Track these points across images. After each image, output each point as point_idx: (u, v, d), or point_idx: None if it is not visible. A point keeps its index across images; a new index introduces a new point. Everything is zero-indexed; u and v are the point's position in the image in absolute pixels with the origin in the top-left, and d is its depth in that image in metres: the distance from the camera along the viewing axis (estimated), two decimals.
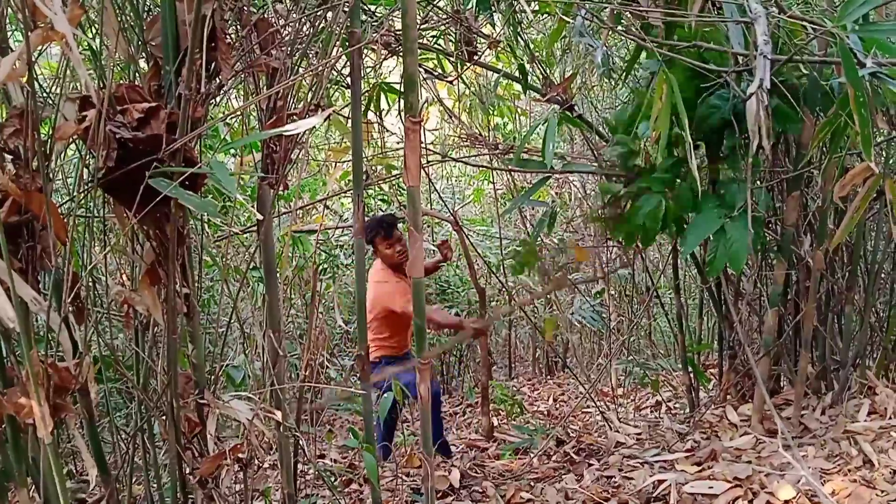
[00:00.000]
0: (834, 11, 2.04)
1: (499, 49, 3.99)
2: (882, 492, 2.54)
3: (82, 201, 1.85)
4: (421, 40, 3.66)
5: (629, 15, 2.46)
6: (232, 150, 4.32)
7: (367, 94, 3.44)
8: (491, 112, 5.29)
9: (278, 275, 4.74)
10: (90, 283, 2.48)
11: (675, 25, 2.54)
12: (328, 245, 5.45)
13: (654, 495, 2.87)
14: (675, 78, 2.01)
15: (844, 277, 3.25)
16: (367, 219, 4.24)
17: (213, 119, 1.57)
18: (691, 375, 3.83)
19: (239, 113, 2.01)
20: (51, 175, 1.45)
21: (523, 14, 3.62)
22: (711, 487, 2.77)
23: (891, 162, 2.85)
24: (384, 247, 4.23)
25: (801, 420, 3.16)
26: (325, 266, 5.62)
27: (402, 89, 1.87)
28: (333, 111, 1.86)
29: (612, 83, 3.60)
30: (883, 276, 3.44)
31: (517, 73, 3.54)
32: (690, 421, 3.67)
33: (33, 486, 1.69)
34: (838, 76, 2.10)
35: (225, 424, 3.19)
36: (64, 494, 1.50)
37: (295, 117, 1.79)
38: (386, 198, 6.01)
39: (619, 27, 2.35)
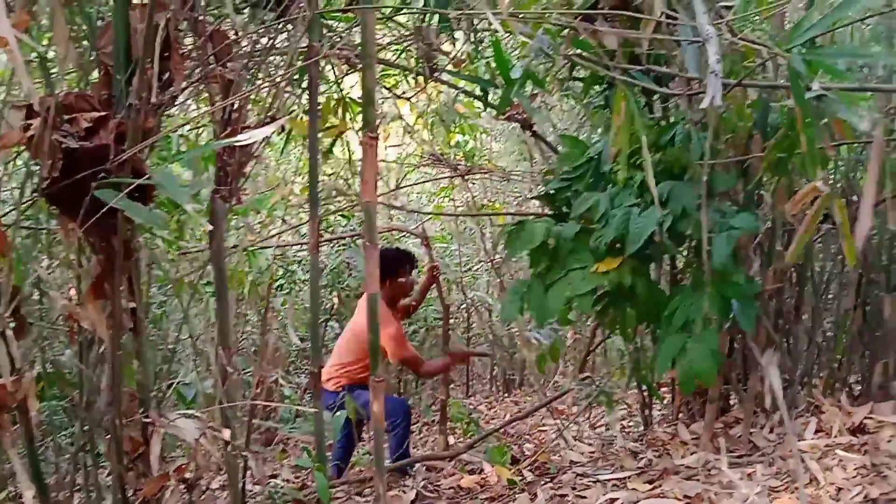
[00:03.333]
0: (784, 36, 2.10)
1: (462, 67, 4.02)
2: None
3: (27, 212, 1.79)
4: (383, 56, 3.67)
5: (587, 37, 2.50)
6: (190, 163, 4.24)
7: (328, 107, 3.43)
8: (452, 130, 5.31)
9: (236, 290, 4.67)
10: (38, 297, 2.40)
11: (630, 48, 2.59)
12: (285, 260, 5.39)
13: None
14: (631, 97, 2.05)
15: (793, 297, 3.32)
16: (385, 250, 4.22)
17: (164, 130, 1.53)
18: (644, 393, 3.87)
19: (193, 124, 1.98)
20: None
21: (484, 33, 3.65)
22: None
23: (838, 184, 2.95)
24: (400, 280, 4.21)
25: (750, 438, 3.21)
26: (282, 282, 5.56)
27: (361, 104, 1.87)
28: (285, 122, 1.84)
29: (571, 103, 3.65)
30: (830, 296, 3.53)
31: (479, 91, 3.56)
32: (643, 439, 3.70)
33: None
34: (788, 98, 2.16)
35: (175, 444, 3.11)
36: None
37: (250, 129, 1.77)
38: (345, 213, 5.97)
39: (575, 50, 2.38)
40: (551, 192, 3.23)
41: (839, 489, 2.70)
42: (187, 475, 1.94)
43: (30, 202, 1.63)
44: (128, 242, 1.56)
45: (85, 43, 1.63)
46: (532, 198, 3.22)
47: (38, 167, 1.42)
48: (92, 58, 1.60)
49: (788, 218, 2.17)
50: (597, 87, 3.10)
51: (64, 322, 1.94)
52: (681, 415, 3.74)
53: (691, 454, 3.28)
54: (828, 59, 1.64)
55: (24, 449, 1.83)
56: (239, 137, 1.53)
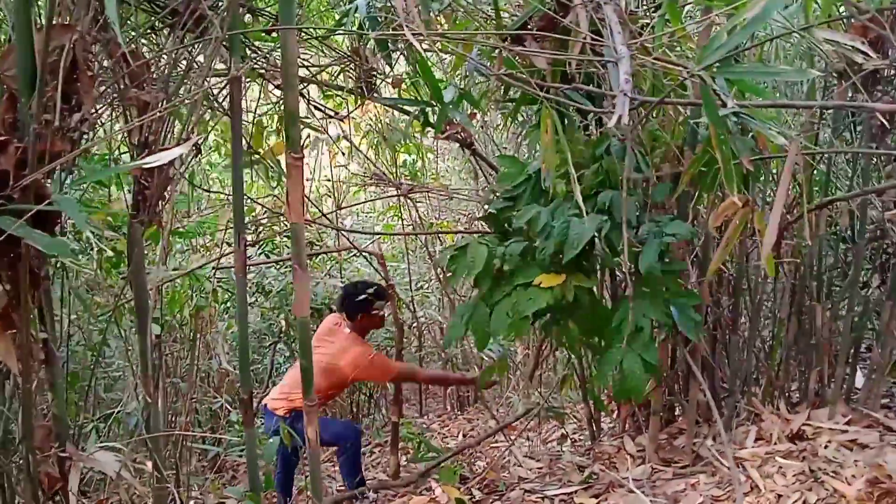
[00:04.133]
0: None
1: (402, 87, 4.02)
2: None
3: None
4: (323, 76, 3.65)
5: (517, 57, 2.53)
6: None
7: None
8: (397, 149, 5.31)
9: (175, 314, 4.57)
10: None
11: (561, 67, 2.62)
12: (230, 283, 5.29)
13: None
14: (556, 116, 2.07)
15: (730, 308, 3.38)
16: (362, 283, 4.33)
17: (72, 154, 1.49)
18: (592, 406, 3.89)
19: (107, 148, 1.93)
20: None
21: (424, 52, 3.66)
22: None
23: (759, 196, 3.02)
24: (374, 313, 4.18)
25: (693, 448, 3.24)
26: (227, 304, 5.46)
27: (283, 125, 1.85)
28: (197, 141, 1.81)
29: (505, 123, 3.68)
30: (766, 306, 3.60)
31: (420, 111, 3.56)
32: (590, 453, 3.71)
33: None
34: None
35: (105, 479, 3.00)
36: None
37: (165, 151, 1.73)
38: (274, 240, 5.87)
39: (506, 70, 2.40)
40: (494, 211, 3.23)
41: (779, 496, 2.74)
42: None
43: None
44: (35, 271, 1.51)
45: None
46: (477, 219, 3.21)
47: None
48: None
49: (712, 230, 2.21)
50: (533, 107, 3.13)
51: None
52: (627, 427, 3.76)
53: (637, 466, 3.30)
54: (739, 76, 1.68)
55: None
56: (150, 158, 1.49)
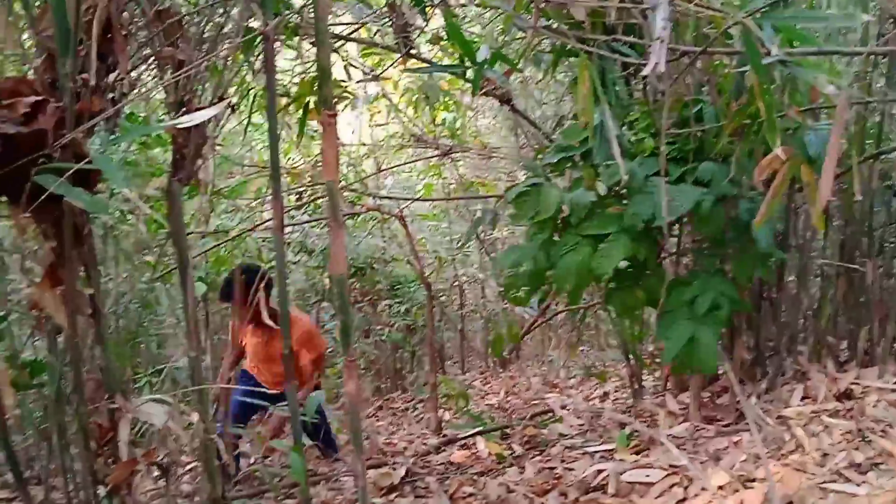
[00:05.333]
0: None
1: (438, 43, 3.97)
2: (812, 475, 2.59)
3: None
4: (357, 34, 3.62)
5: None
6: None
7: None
8: (436, 107, 5.26)
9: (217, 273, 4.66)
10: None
11: (601, 19, 2.55)
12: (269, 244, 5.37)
13: (593, 485, 2.88)
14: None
15: (776, 265, 3.29)
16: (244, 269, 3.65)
17: (107, 112, 1.51)
18: (634, 365, 3.87)
19: (144, 107, 1.95)
20: None
21: (463, 8, 3.60)
22: (648, 475, 2.79)
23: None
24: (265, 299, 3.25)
25: (736, 406, 3.20)
26: (272, 264, 5.54)
27: (317, 83, 1.84)
28: (230, 102, 1.81)
29: (545, 78, 3.60)
30: (815, 263, 3.50)
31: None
32: (632, 410, 3.70)
33: None
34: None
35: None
36: None
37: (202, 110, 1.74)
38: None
39: (544, 21, 2.34)
40: (551, 163, 3.14)
41: (825, 455, 2.70)
42: (160, 460, 1.94)
43: None
44: (78, 228, 1.55)
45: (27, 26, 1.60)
46: (544, 165, 3.07)
47: None
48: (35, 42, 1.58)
49: (757, 184, 2.14)
50: (570, 60, 3.06)
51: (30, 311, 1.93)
52: (669, 386, 3.74)
53: (679, 424, 3.29)
54: (786, 22, 1.60)
55: None
56: (184, 118, 1.51)
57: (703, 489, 2.64)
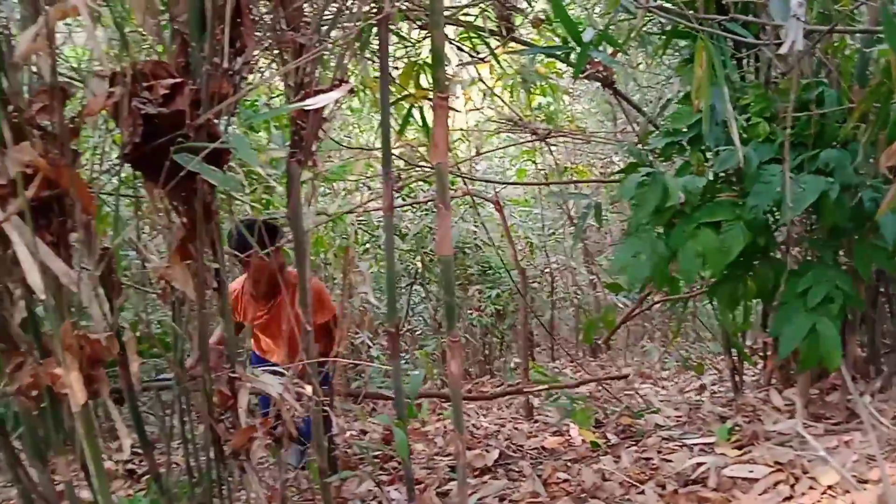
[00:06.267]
0: None
1: (540, 26, 3.92)
2: None
3: (116, 177, 1.88)
4: (457, 17, 3.62)
5: None
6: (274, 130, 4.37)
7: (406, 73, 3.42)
8: (532, 91, 5.21)
9: (319, 254, 4.81)
10: (139, 261, 2.53)
11: None
12: (370, 226, 5.49)
13: (692, 478, 2.82)
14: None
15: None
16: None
17: (238, 95, 1.58)
18: (735, 358, 3.75)
19: (267, 90, 2.02)
20: (81, 151, 1.48)
21: None
22: (752, 471, 2.71)
23: None
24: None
25: (847, 405, 3.06)
26: (367, 246, 5.66)
27: (431, 65, 1.86)
28: (360, 86, 1.86)
29: (653, 60, 3.50)
30: None
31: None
32: (733, 404, 3.59)
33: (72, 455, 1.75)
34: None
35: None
36: (97, 462, 1.55)
37: (322, 93, 1.79)
38: (427, 180, 5.99)
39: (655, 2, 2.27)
40: (657, 149, 3.07)
41: None
42: (274, 429, 2.03)
43: (115, 168, 1.71)
44: (208, 205, 1.62)
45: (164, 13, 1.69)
46: (649, 150, 2.99)
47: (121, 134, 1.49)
48: (168, 27, 1.66)
49: (883, 170, 2.02)
50: (681, 41, 2.96)
51: (156, 283, 2.05)
52: (773, 380, 3.61)
53: (784, 420, 3.17)
54: None
55: (127, 403, 1.96)
56: (309, 101, 1.56)
57: (811, 488, 2.54)
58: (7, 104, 1.31)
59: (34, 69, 1.47)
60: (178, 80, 1.47)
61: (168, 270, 1.74)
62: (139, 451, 2.08)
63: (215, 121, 1.55)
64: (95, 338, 1.50)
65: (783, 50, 1.33)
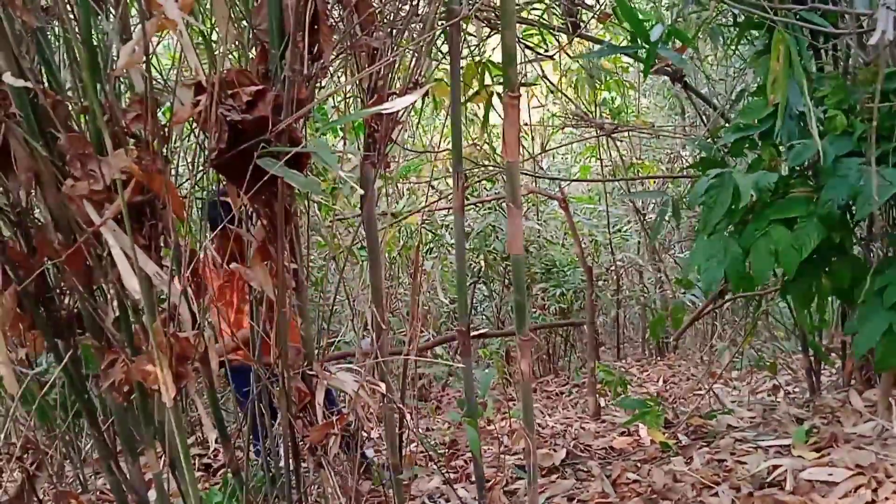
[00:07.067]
0: None
1: (607, 21, 3.88)
2: None
3: (201, 182, 1.96)
4: (524, 15, 3.62)
5: None
6: (340, 134, 4.46)
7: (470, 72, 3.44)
8: (598, 87, 5.17)
9: (385, 254, 4.87)
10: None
11: None
12: (433, 225, 5.53)
13: (768, 481, 2.76)
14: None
15: None
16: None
17: (317, 100, 1.62)
18: (812, 358, 3.63)
19: (340, 94, 2.07)
20: (170, 157, 1.55)
21: None
22: (831, 474, 2.63)
23: None
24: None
25: None
26: (431, 245, 5.71)
27: (502, 64, 1.87)
28: (430, 88, 1.88)
29: (724, 53, 3.42)
30: None
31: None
32: (810, 405, 3.48)
33: (160, 448, 1.83)
34: None
35: (339, 399, 3.32)
36: (186, 453, 1.61)
37: (395, 96, 1.83)
38: (491, 179, 6.00)
39: None
40: (728, 144, 3.00)
41: None
42: (348, 425, 2.07)
43: (202, 173, 1.78)
44: (288, 208, 1.68)
45: (243, 22, 1.75)
46: (718, 147, 2.92)
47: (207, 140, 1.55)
48: (249, 36, 1.72)
49: None
50: (755, 32, 2.89)
51: None
52: (853, 381, 3.48)
53: (865, 422, 3.06)
54: None
55: (207, 398, 2.04)
56: (385, 105, 1.59)
57: (894, 492, 2.45)
58: (104, 113, 1.38)
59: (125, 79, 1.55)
60: (261, 87, 1.52)
61: (248, 271, 1.81)
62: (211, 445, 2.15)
63: (295, 125, 1.59)
64: (184, 336, 1.57)
65: (873, 40, 1.29)
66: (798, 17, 2.45)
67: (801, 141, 2.63)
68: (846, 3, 2.45)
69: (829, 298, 3.56)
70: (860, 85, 2.55)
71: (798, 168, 2.82)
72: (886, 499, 2.43)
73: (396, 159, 4.79)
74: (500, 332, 3.88)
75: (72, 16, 1.46)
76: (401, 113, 1.88)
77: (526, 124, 5.56)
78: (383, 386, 1.95)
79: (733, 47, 3.14)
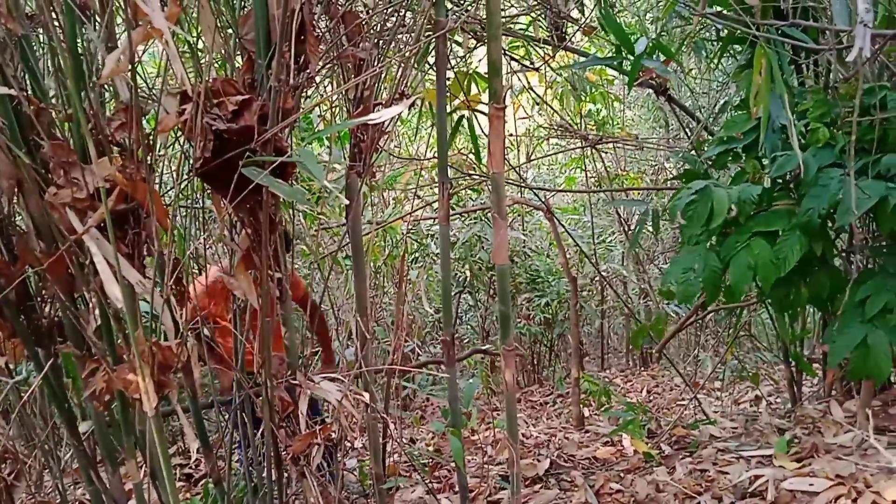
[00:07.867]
0: None
1: (591, 34, 3.92)
2: None
3: (185, 191, 1.96)
4: (510, 27, 3.65)
5: None
6: (325, 143, 4.46)
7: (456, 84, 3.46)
8: (583, 98, 5.20)
9: (370, 264, 4.87)
10: (198, 270, 2.62)
11: (773, 2, 2.43)
12: (418, 234, 5.53)
13: (750, 490, 2.77)
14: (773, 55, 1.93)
15: None
16: None
17: (303, 110, 1.62)
18: (793, 368, 3.67)
19: (326, 104, 2.07)
20: (154, 166, 1.54)
21: None
22: (812, 484, 2.65)
23: None
24: None
25: None
26: (416, 255, 5.71)
27: (487, 76, 1.88)
28: (416, 100, 1.89)
29: (707, 66, 3.47)
30: None
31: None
32: (791, 416, 3.51)
33: (141, 457, 1.81)
34: None
35: (322, 409, 3.31)
36: (167, 463, 1.60)
37: (381, 107, 1.83)
38: (476, 188, 6.02)
39: (712, 8, 2.26)
40: (711, 157, 3.03)
41: None
42: (331, 435, 2.07)
43: (186, 181, 1.78)
44: (272, 217, 1.67)
45: (229, 31, 1.75)
46: (701, 159, 2.95)
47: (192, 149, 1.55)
48: (235, 45, 1.72)
49: None
50: (737, 47, 2.93)
51: None
52: (834, 392, 3.52)
53: (845, 433, 3.09)
54: None
55: (189, 408, 2.03)
56: (371, 115, 1.59)
57: (874, 502, 2.47)
58: (89, 121, 1.38)
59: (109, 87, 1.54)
60: (247, 96, 1.52)
61: (232, 280, 1.80)
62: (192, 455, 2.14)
63: (281, 135, 1.59)
64: (166, 345, 1.56)
65: (850, 57, 1.32)
66: (780, 32, 2.49)
67: (784, 153, 2.66)
68: (826, 20, 2.49)
69: (811, 309, 3.61)
70: (841, 99, 2.59)
71: (781, 180, 2.86)
72: None
73: (382, 168, 4.79)
74: (466, 354, 3.88)
75: (57, 24, 1.46)
76: (387, 123, 1.89)
77: (511, 135, 5.59)
78: (366, 395, 1.95)
79: (716, 61, 3.18)
